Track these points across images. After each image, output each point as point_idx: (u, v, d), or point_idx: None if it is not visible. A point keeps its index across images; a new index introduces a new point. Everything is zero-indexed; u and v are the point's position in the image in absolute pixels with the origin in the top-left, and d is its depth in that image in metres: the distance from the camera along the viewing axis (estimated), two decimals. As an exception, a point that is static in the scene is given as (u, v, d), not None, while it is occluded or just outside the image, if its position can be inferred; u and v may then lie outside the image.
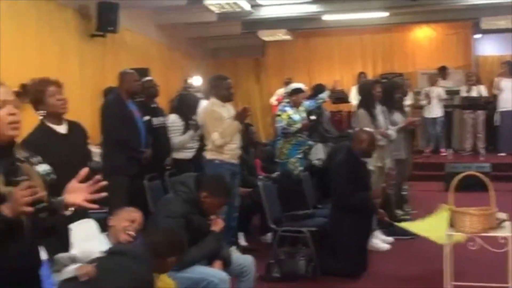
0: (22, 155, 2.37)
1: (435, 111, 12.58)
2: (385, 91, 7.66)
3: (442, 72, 13.56)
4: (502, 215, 4.82)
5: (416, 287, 5.68)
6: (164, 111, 7.76)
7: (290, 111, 7.53)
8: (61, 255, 3.69)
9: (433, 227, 5.08)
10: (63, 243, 3.84)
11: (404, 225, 5.85)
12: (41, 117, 4.32)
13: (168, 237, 3.89)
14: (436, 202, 5.46)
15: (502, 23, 12.38)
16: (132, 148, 6.28)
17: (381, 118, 7.31)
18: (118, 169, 6.06)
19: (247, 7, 11.10)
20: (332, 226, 6.08)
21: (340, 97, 13.03)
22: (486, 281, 5.17)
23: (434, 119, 12.62)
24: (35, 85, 4.31)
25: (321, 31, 14.56)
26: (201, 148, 6.84)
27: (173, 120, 7.33)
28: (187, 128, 7.29)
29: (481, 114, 12.48)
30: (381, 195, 6.23)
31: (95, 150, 6.30)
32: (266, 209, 6.35)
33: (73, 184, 2.43)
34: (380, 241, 6.89)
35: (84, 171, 2.41)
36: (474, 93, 12.37)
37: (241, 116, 6.39)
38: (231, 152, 6.34)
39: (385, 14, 12.66)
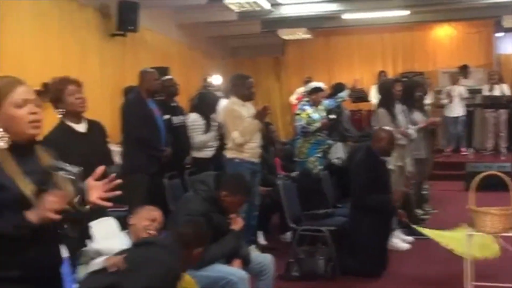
0: (54, 164, 2.36)
1: (457, 110, 12.48)
2: (405, 90, 7.62)
3: (464, 70, 13.45)
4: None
5: (436, 287, 5.65)
6: (184, 110, 7.78)
7: (309, 110, 7.52)
8: (88, 248, 3.73)
9: (455, 240, 5.03)
10: (83, 240, 3.87)
11: (425, 232, 5.76)
12: (60, 116, 4.35)
13: (194, 228, 3.89)
14: (456, 201, 5.42)
15: (524, 21, 12.26)
16: (152, 147, 6.31)
17: (401, 117, 7.28)
18: (138, 167, 6.09)
19: (267, 6, 11.08)
20: (352, 225, 6.06)
21: (360, 96, 12.99)
22: (508, 282, 5.13)
23: (456, 118, 12.53)
24: (55, 84, 4.35)
25: (341, 29, 14.51)
26: (221, 147, 6.86)
27: (194, 119, 7.34)
28: (208, 127, 7.30)
29: (503, 113, 12.34)
30: (401, 198, 6.19)
31: (116, 149, 6.34)
32: (285, 208, 6.35)
33: (89, 182, 2.44)
34: (400, 240, 6.86)
35: (100, 169, 2.42)
36: (496, 92, 12.23)
37: (261, 115, 6.39)
38: (251, 150, 6.35)
39: (406, 12, 12.59)
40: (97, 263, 3.55)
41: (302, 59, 15.75)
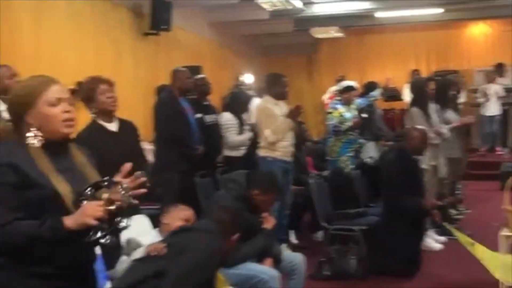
0: (105, 180, 2.38)
1: (493, 109, 12.32)
2: (439, 89, 7.55)
3: (499, 69, 13.25)
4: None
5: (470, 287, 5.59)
6: (216, 108, 7.81)
7: (341, 108, 7.50)
8: (132, 239, 3.76)
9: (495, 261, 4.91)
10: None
11: (461, 238, 5.65)
12: (92, 115, 4.39)
13: (229, 213, 3.91)
14: (491, 201, 5.35)
15: (560, 18, 12.05)
16: (184, 145, 6.35)
17: (434, 116, 7.21)
18: (170, 165, 6.13)
19: (299, 4, 11.07)
20: (385, 225, 6.02)
21: (392, 95, 12.90)
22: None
23: (492, 117, 12.36)
24: (87, 83, 4.39)
25: (374, 28, 14.42)
26: (253, 146, 6.87)
27: (228, 118, 7.35)
28: (241, 126, 7.32)
29: (540, 112, 12.17)
30: (435, 207, 6.11)
31: (148, 147, 6.39)
32: (317, 207, 6.34)
33: (118, 179, 2.45)
34: (433, 240, 6.80)
35: (127, 166, 2.42)
36: (533, 90, 12.07)
37: (294, 113, 6.39)
38: (284, 149, 6.35)
39: (440, 10, 12.47)
40: (139, 251, 3.59)
41: (335, 58, 15.69)
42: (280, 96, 6.46)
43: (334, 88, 11.62)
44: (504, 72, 13.34)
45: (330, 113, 7.66)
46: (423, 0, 11.85)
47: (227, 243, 3.76)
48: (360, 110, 7.94)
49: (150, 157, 6.21)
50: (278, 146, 6.30)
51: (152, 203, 5.02)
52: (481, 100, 12.32)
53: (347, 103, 7.59)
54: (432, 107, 7.28)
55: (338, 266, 5.84)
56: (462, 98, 10.62)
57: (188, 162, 6.34)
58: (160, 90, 7.69)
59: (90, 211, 2.23)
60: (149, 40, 9.73)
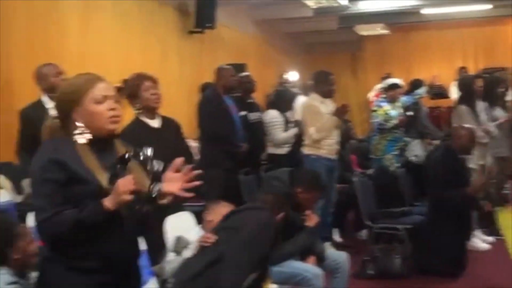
0: (128, 153, 2.42)
1: (542, 106, 12.04)
2: (487, 86, 7.43)
3: (549, 65, 12.96)
4: None
5: (517, 289, 5.49)
6: (261, 106, 7.82)
7: (386, 106, 7.43)
8: (181, 237, 3.79)
9: None
10: (160, 233, 3.95)
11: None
12: (136, 111, 4.44)
13: (274, 193, 3.92)
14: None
15: None
16: (228, 143, 6.37)
17: (482, 114, 7.09)
18: (214, 163, 6.17)
19: (344, 1, 11.01)
20: (430, 224, 5.95)
21: (439, 92, 12.72)
22: None
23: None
24: (132, 80, 4.44)
25: (420, 25, 14.25)
26: (297, 143, 6.87)
27: (273, 116, 7.37)
28: (286, 123, 7.33)
29: None
30: (480, 189, 6.00)
31: (193, 145, 6.44)
32: (361, 205, 6.30)
33: (169, 174, 2.48)
34: (480, 240, 6.70)
35: (180, 160, 2.45)
36: None
37: (340, 112, 6.38)
38: (329, 147, 6.34)
39: (488, 6, 12.25)
40: (190, 249, 3.62)
41: (380, 55, 15.56)
42: (327, 94, 6.46)
43: (379, 86, 11.53)
44: (555, 69, 13.04)
45: (374, 111, 7.60)
46: (470, -4, 11.68)
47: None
48: (406, 108, 7.86)
49: (195, 155, 6.26)
50: (323, 144, 6.29)
51: (197, 200, 5.06)
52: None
53: (392, 101, 7.52)
54: (480, 105, 7.17)
55: (382, 265, 5.80)
56: (510, 96, 10.40)
57: (232, 159, 6.37)
58: (205, 88, 7.75)
59: (123, 187, 2.26)
60: (194, 38, 9.80)
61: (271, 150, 7.34)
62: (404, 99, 7.88)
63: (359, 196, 6.30)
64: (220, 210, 4.10)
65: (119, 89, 3.76)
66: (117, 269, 2.43)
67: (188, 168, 2.46)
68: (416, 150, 8.09)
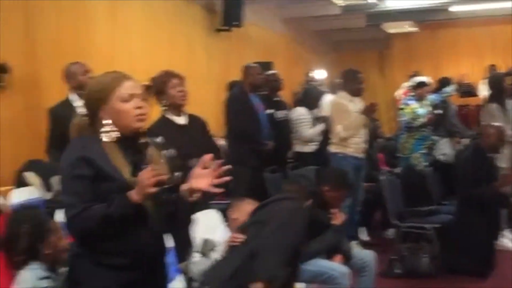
0: (147, 140, 2.44)
1: None
2: (517, 84, 7.34)
3: None
4: None
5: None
6: (287, 104, 7.82)
7: (414, 104, 7.38)
8: (208, 239, 3.80)
9: None
10: (188, 230, 3.97)
11: None
12: (163, 108, 4.47)
13: (297, 183, 3.91)
14: None
15: None
16: (253, 141, 6.38)
17: (512, 113, 7.02)
18: (240, 160, 6.18)
19: (372, -1, 10.98)
20: (458, 223, 5.90)
21: (467, 90, 12.58)
22: None
23: None
24: (159, 77, 4.48)
25: (449, 22, 14.11)
26: (324, 142, 6.86)
27: (302, 113, 7.38)
28: (314, 120, 7.33)
29: None
30: (508, 183, 5.92)
31: (221, 143, 6.46)
32: (388, 204, 6.27)
33: (197, 170, 2.49)
34: (508, 240, 6.63)
35: (208, 157, 2.46)
36: None
37: (368, 110, 6.37)
38: (356, 145, 6.33)
39: (518, 3, 12.09)
40: (218, 251, 3.63)
41: (408, 53, 15.44)
42: (355, 92, 6.45)
43: (406, 84, 11.46)
44: None
45: (402, 109, 7.55)
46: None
47: None
48: (434, 106, 7.80)
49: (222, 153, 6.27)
50: (350, 142, 6.27)
51: (224, 198, 5.07)
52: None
53: (420, 99, 7.47)
54: (510, 103, 7.09)
55: (409, 264, 5.77)
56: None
57: (258, 157, 6.37)
58: (232, 86, 7.76)
59: (146, 180, 2.27)
60: (221, 37, 9.81)
61: (298, 148, 7.34)
62: (432, 97, 7.83)
63: (386, 195, 6.26)
64: (244, 208, 4.09)
65: (147, 87, 3.80)
66: (144, 265, 2.45)
67: (217, 164, 2.46)
68: (445, 149, 8.02)
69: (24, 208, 3.67)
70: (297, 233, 3.49)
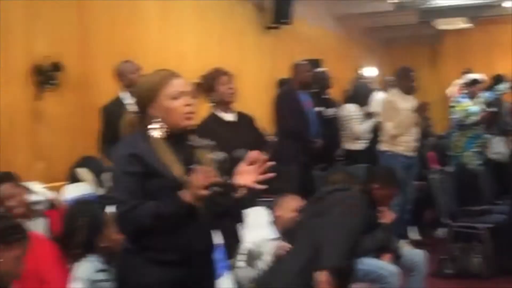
0: (197, 142, 2.47)
1: None
2: None
3: None
4: None
5: None
6: (336, 102, 7.78)
7: (466, 102, 7.27)
8: (252, 250, 3.81)
9: None
10: (236, 227, 3.99)
11: None
12: (212, 104, 4.51)
13: (342, 171, 3.90)
14: None
15: None
16: (302, 139, 6.38)
17: None
18: (289, 158, 6.18)
19: (424, -5, 10.84)
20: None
21: (522, 88, 12.30)
22: None
23: None
24: (209, 74, 4.52)
25: (502, 18, 13.79)
26: (374, 140, 6.82)
27: (352, 110, 7.36)
28: (364, 117, 7.30)
29: None
30: None
31: (271, 140, 6.47)
32: (439, 203, 6.18)
33: (243, 166, 2.50)
34: None
35: (254, 153, 2.46)
36: None
37: (421, 109, 6.32)
38: (406, 144, 6.28)
39: None
40: (265, 261, 3.65)
41: (460, 50, 15.17)
42: (408, 90, 6.43)
43: (458, 81, 11.28)
44: None
45: (453, 107, 7.45)
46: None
47: None
48: (488, 104, 7.66)
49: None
50: (400, 140, 6.23)
51: (272, 195, 5.08)
52: None
53: (472, 96, 7.35)
54: None
55: (461, 264, 5.70)
56: None
57: (307, 155, 6.37)
58: (282, 83, 7.78)
59: (198, 182, 2.29)
60: (271, 34, 9.82)
61: (348, 145, 7.32)
62: (486, 95, 7.69)
63: (437, 194, 6.18)
64: (288, 204, 4.07)
65: (197, 85, 3.83)
66: (193, 261, 2.48)
67: (262, 160, 2.47)
68: (498, 148, 7.87)
69: (81, 203, 3.76)
70: (357, 222, 3.48)
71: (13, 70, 5.57)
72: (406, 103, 6.34)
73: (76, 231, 3.27)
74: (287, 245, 3.53)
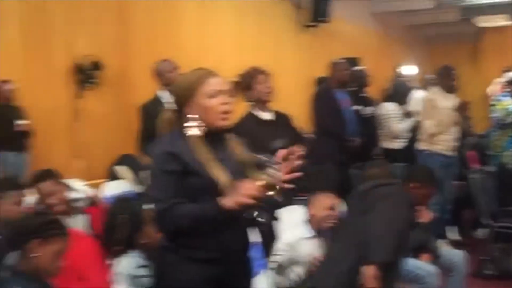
0: (254, 158, 2.45)
1: None
2: None
3: None
4: None
5: None
6: (374, 100, 7.73)
7: (507, 101, 7.16)
8: (282, 259, 3.81)
9: None
10: (272, 226, 3.99)
11: None
12: (249, 103, 4.52)
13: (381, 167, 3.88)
14: None
15: None
16: (338, 137, 6.35)
17: None
18: (326, 156, 6.17)
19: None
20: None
21: None
22: None
23: None
24: (247, 73, 4.53)
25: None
26: (413, 139, 6.76)
27: (391, 108, 7.31)
28: (403, 116, 7.25)
29: None
30: None
31: (308, 138, 6.47)
32: (478, 203, 6.10)
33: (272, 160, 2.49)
34: None
35: (283, 152, 2.45)
36: None
37: (462, 108, 6.26)
38: (445, 143, 6.22)
39: None
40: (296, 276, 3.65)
41: (501, 48, 14.86)
42: (449, 89, 6.39)
43: (499, 79, 11.11)
44: None
45: (493, 105, 7.34)
46: None
47: None
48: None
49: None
50: (439, 139, 6.17)
51: (308, 194, 5.07)
52: None
53: (513, 95, 7.25)
54: None
55: (502, 265, 5.62)
56: None
57: (344, 153, 6.34)
58: (320, 81, 7.76)
59: (247, 190, 2.30)
60: (309, 32, 9.81)
61: (386, 144, 7.26)
62: (528, 93, 7.57)
63: (477, 194, 6.10)
64: (321, 203, 4.03)
65: (235, 84, 3.85)
66: (229, 260, 2.49)
67: (292, 158, 2.44)
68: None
69: (121, 200, 3.81)
70: (403, 216, 3.47)
71: (54, 69, 5.68)
72: (447, 102, 6.28)
73: (117, 228, 3.32)
74: (317, 259, 3.52)
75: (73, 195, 4.10)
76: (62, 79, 5.76)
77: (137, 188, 5.02)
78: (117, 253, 3.29)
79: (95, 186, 4.95)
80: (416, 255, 4.30)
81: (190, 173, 2.41)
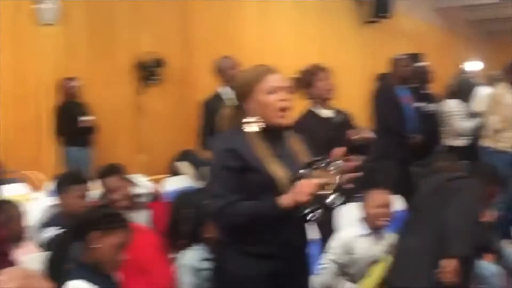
0: (314, 160, 2.44)
1: None
2: None
3: None
4: None
5: None
6: (437, 97, 7.61)
7: None
8: (335, 258, 3.79)
9: None
10: (332, 223, 3.98)
11: None
12: (310, 101, 4.51)
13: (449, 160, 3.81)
14: None
15: None
16: (398, 134, 6.28)
17: None
18: (387, 153, 6.11)
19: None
20: None
21: None
22: None
23: None
24: (307, 70, 4.53)
25: None
26: (477, 136, 6.64)
27: (454, 106, 7.17)
28: (468, 114, 7.11)
29: None
30: None
31: (370, 135, 6.42)
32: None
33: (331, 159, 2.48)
34: None
35: (340, 150, 2.43)
36: None
37: None
38: (510, 140, 6.07)
39: None
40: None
41: None
42: None
43: None
44: None
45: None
46: None
47: None
48: None
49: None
50: (502, 136, 6.03)
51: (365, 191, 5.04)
52: None
53: None
54: None
55: None
56: None
57: (404, 150, 6.26)
58: (381, 78, 7.68)
59: (304, 188, 2.29)
60: (370, 28, 9.73)
61: (449, 141, 7.13)
62: None
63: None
64: (373, 200, 3.97)
65: (296, 80, 3.85)
66: (288, 255, 2.50)
67: (347, 159, 2.42)
68: None
69: (186, 194, 3.85)
70: (479, 211, 3.42)
71: (118, 66, 5.80)
72: (512, 98, 6.14)
73: (182, 222, 3.36)
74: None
75: (136, 190, 4.17)
76: (126, 76, 5.87)
77: (197, 184, 5.08)
78: (182, 247, 3.34)
79: (157, 181, 5.03)
80: (479, 255, 4.22)
81: (249, 169, 2.43)
